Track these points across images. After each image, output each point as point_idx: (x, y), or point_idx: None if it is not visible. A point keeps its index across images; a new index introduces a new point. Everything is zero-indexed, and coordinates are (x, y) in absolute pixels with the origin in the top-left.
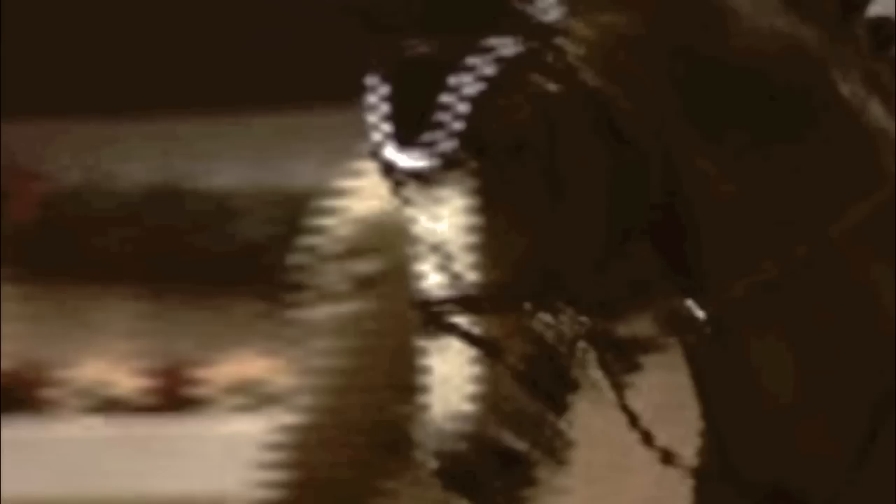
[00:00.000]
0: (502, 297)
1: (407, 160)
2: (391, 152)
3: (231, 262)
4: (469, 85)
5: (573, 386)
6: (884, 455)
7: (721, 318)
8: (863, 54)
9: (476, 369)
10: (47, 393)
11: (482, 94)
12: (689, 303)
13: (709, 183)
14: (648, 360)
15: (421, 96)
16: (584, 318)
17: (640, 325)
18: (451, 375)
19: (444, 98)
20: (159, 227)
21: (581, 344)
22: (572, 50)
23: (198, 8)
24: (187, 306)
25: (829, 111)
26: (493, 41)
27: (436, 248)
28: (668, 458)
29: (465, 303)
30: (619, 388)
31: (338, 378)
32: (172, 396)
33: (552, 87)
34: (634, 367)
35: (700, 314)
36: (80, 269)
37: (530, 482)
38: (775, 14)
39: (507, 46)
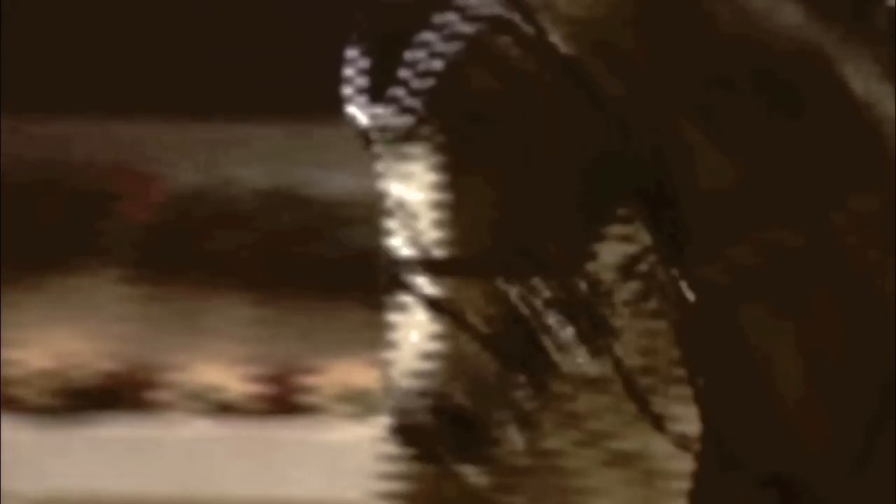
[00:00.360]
0: (465, 261)
1: (369, 114)
2: (357, 107)
3: (344, 270)
4: (435, 46)
5: (545, 354)
6: (888, 447)
7: (709, 297)
8: (883, 47)
9: (436, 330)
10: (159, 395)
11: (446, 57)
12: (676, 277)
13: (700, 161)
14: None
15: (392, 54)
16: (557, 288)
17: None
18: (412, 335)
19: (412, 55)
20: (273, 232)
21: (553, 313)
22: (552, 24)
23: (321, 15)
24: (299, 312)
25: (833, 103)
26: (464, 6)
27: (401, 207)
28: (659, 424)
29: (427, 264)
30: (598, 355)
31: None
32: (282, 402)
33: (522, 58)
34: (612, 336)
35: (687, 291)
36: (195, 272)
37: (486, 443)
38: (782, 7)
39: (477, 15)
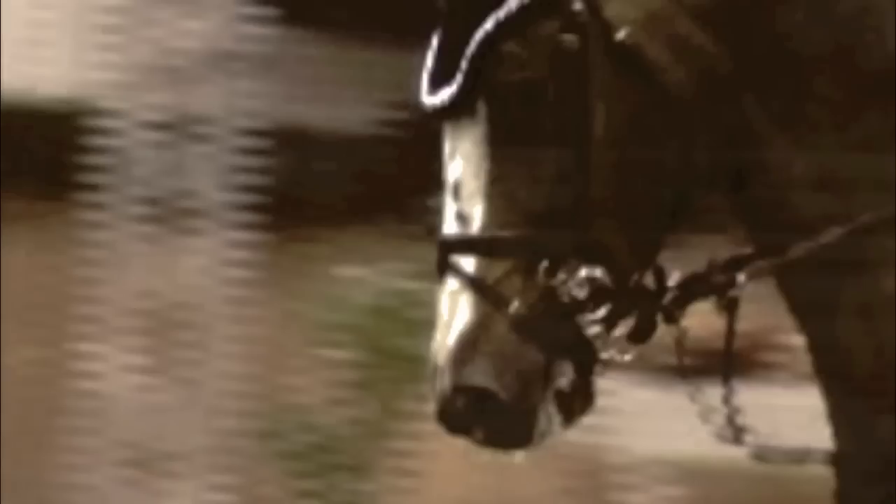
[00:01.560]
0: (509, 244)
1: (429, 98)
2: (423, 90)
3: None
4: (486, 27)
5: (584, 340)
6: None
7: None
8: None
9: (472, 312)
10: (772, 357)
11: (491, 38)
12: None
13: (771, 151)
14: None
15: (458, 38)
16: (602, 277)
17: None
18: (452, 316)
19: (470, 40)
20: None
21: (597, 303)
22: (616, 10)
23: None
24: None
25: None
26: None
27: (455, 186)
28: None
29: (471, 244)
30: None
31: None
32: None
33: (573, 40)
34: (649, 333)
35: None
36: None
37: (521, 427)
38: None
39: None
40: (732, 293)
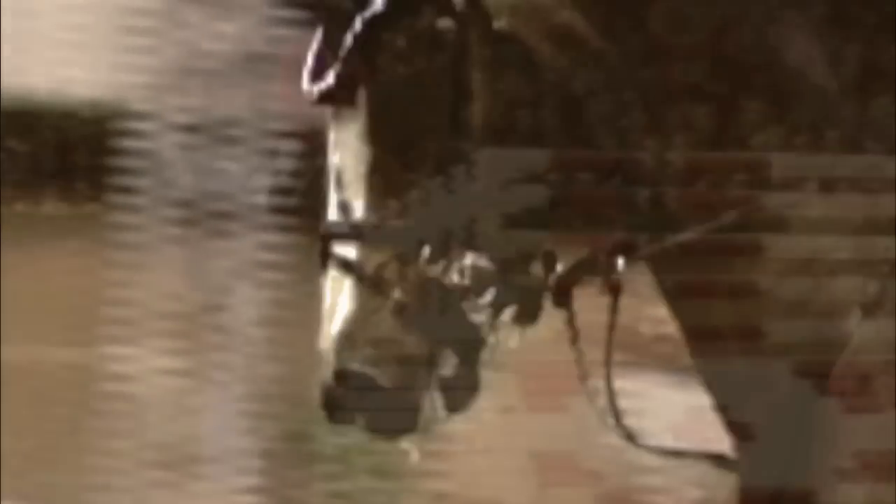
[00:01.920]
0: (389, 233)
1: (308, 87)
2: (305, 79)
3: None
4: (365, 17)
5: (470, 328)
6: None
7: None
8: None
9: (354, 299)
10: None
11: (369, 28)
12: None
13: (650, 143)
14: None
15: (340, 29)
16: (487, 265)
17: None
18: (335, 306)
19: (349, 31)
20: None
21: (480, 289)
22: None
23: None
24: None
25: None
26: None
27: (337, 175)
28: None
29: (354, 234)
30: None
31: None
32: None
33: (452, 29)
34: (535, 317)
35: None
36: None
37: (406, 416)
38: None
39: None
40: (615, 277)
